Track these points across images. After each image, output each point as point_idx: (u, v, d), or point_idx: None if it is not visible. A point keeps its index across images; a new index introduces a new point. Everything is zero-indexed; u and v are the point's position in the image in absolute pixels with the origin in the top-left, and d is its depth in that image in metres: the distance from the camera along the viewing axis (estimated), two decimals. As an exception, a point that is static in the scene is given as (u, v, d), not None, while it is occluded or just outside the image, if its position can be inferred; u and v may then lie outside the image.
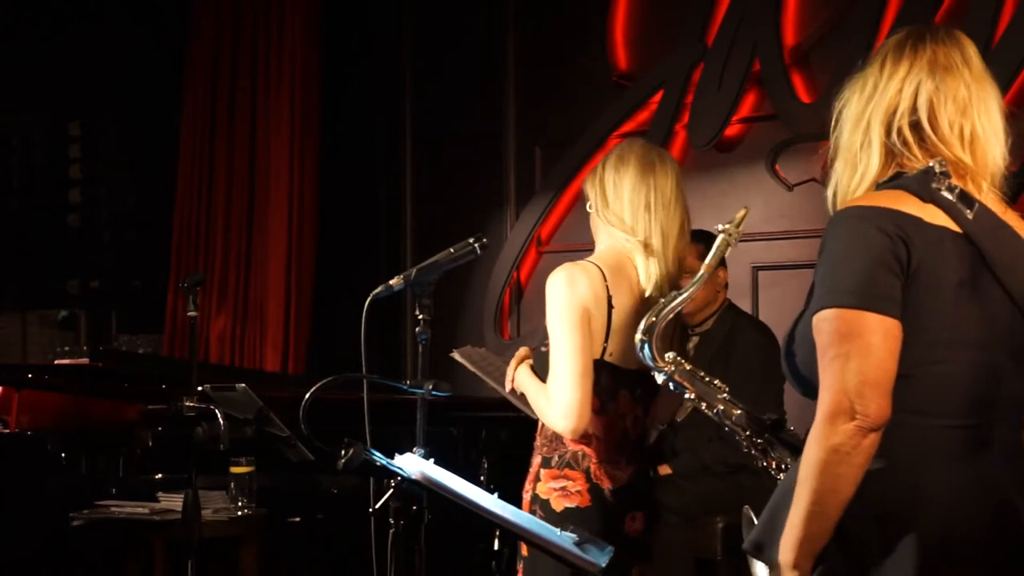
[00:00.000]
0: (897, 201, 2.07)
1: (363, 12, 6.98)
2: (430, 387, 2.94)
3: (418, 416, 2.98)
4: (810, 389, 2.14)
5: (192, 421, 4.10)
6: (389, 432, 3.04)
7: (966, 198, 2.10)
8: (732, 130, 5.71)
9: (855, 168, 2.17)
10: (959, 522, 2.02)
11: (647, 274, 3.01)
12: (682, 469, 4.53)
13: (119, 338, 7.75)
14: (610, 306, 2.98)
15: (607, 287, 2.98)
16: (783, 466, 2.48)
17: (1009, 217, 2.17)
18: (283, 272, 6.81)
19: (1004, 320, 2.09)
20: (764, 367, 4.38)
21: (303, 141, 6.83)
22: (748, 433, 2.52)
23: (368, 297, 3.03)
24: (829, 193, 2.22)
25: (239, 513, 4.45)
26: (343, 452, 2.56)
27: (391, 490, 2.71)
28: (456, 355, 3.60)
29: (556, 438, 3.02)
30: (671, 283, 3.00)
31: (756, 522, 2.38)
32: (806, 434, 2.19)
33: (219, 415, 4.11)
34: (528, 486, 3.06)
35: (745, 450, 2.54)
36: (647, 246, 3.01)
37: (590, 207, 3.11)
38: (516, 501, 3.04)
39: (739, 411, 2.55)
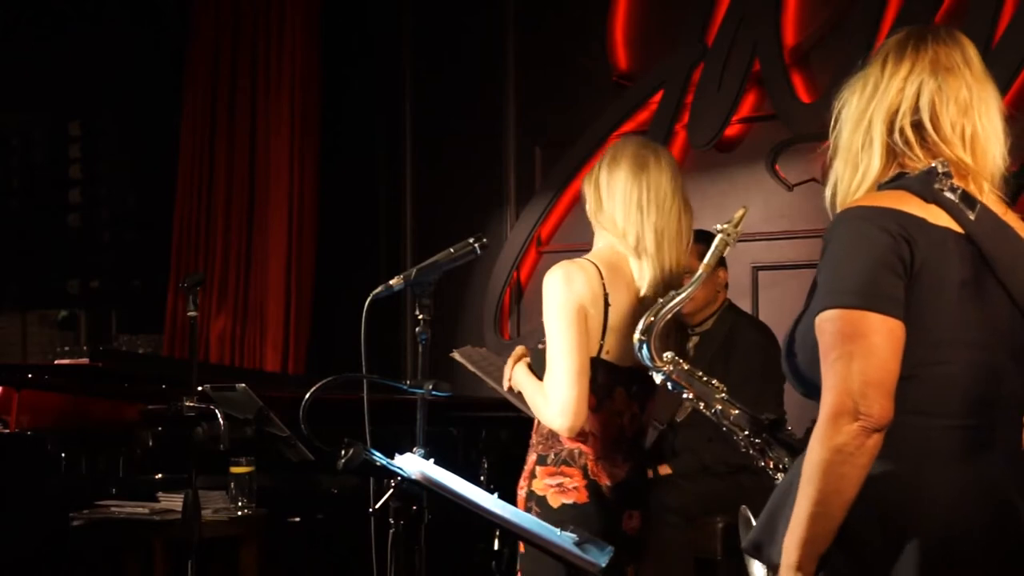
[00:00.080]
0: (900, 201, 2.07)
1: (363, 12, 6.98)
2: (430, 387, 2.94)
3: (418, 416, 2.98)
4: (811, 389, 2.14)
5: (192, 421, 4.10)
6: (389, 432, 3.04)
7: (968, 199, 2.10)
8: (732, 130, 5.71)
9: (856, 167, 2.16)
10: (960, 522, 2.02)
11: (640, 275, 3.01)
12: (682, 469, 4.53)
13: (119, 338, 7.75)
14: (607, 304, 2.98)
15: (604, 285, 2.98)
16: (780, 466, 2.49)
17: (1009, 218, 2.17)
18: (283, 272, 6.81)
19: (1005, 320, 2.09)
20: (764, 367, 4.38)
21: (303, 141, 6.83)
22: (746, 433, 2.53)
23: (368, 297, 3.03)
24: (828, 193, 2.22)
25: (239, 513, 4.45)
26: (343, 452, 2.56)
27: (391, 490, 2.71)
28: (456, 355, 3.60)
29: (552, 436, 3.02)
30: (669, 283, 3.00)
31: (753, 522, 2.39)
32: (805, 434, 2.19)
33: (219, 415, 4.11)
34: (523, 483, 3.06)
35: (743, 450, 2.54)
36: (639, 247, 3.00)
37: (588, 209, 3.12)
38: (516, 501, 3.04)
39: (737, 411, 2.55)
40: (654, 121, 5.83)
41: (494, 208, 6.48)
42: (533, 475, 3.04)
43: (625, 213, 3.02)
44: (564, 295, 2.94)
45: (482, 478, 4.73)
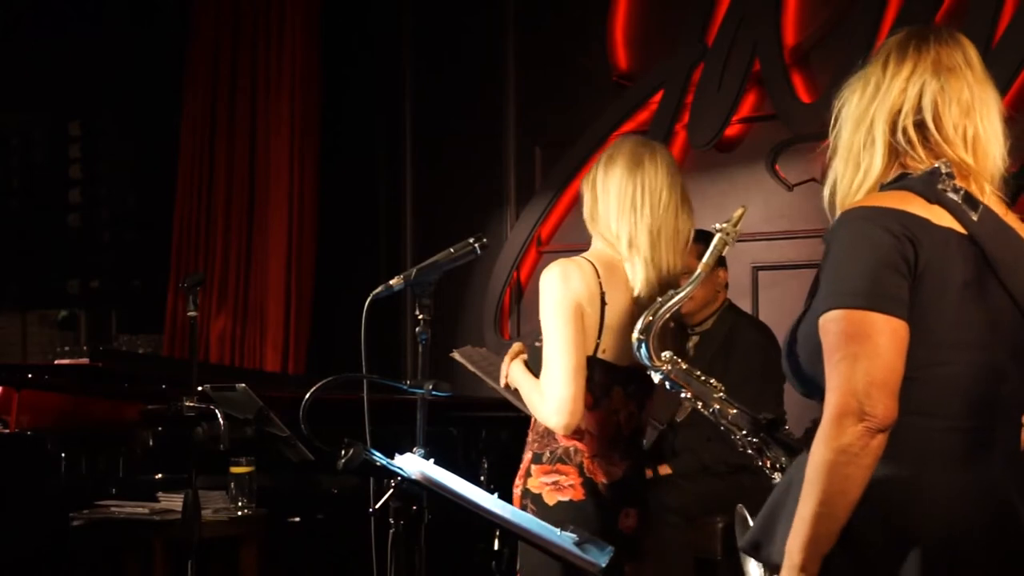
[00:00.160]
0: (903, 202, 2.07)
1: (363, 12, 6.98)
2: (430, 387, 2.94)
3: (418, 416, 2.98)
4: (812, 389, 2.14)
5: (192, 421, 4.10)
6: (389, 432, 3.04)
7: (971, 200, 2.10)
8: (732, 130, 5.71)
9: (858, 166, 2.16)
10: (960, 523, 2.02)
11: (633, 275, 3.00)
12: (682, 469, 4.53)
13: (119, 338, 7.75)
14: (603, 303, 2.98)
15: (600, 284, 2.98)
16: (778, 465, 2.49)
17: (1010, 219, 2.17)
18: (283, 272, 6.81)
19: (1006, 321, 2.09)
20: (764, 367, 4.38)
21: (303, 141, 6.83)
22: (744, 432, 2.53)
23: (368, 297, 3.03)
24: (826, 192, 2.21)
25: (239, 513, 4.45)
26: (343, 452, 2.56)
27: (391, 490, 2.71)
28: (456, 355, 3.60)
29: (548, 434, 3.02)
30: (665, 283, 2.99)
31: (750, 521, 2.39)
32: (805, 433, 2.19)
33: (219, 415, 4.11)
34: (519, 481, 3.06)
35: (740, 449, 2.54)
36: (632, 247, 3.00)
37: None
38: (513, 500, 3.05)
39: (735, 410, 2.55)
40: (654, 121, 5.84)
41: (494, 208, 6.48)
42: (529, 473, 3.04)
43: (619, 212, 3.01)
44: (560, 293, 2.94)
45: (482, 478, 4.73)
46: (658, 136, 5.67)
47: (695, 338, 4.67)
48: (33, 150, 8.25)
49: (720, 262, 2.71)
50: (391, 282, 3.05)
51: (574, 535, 2.60)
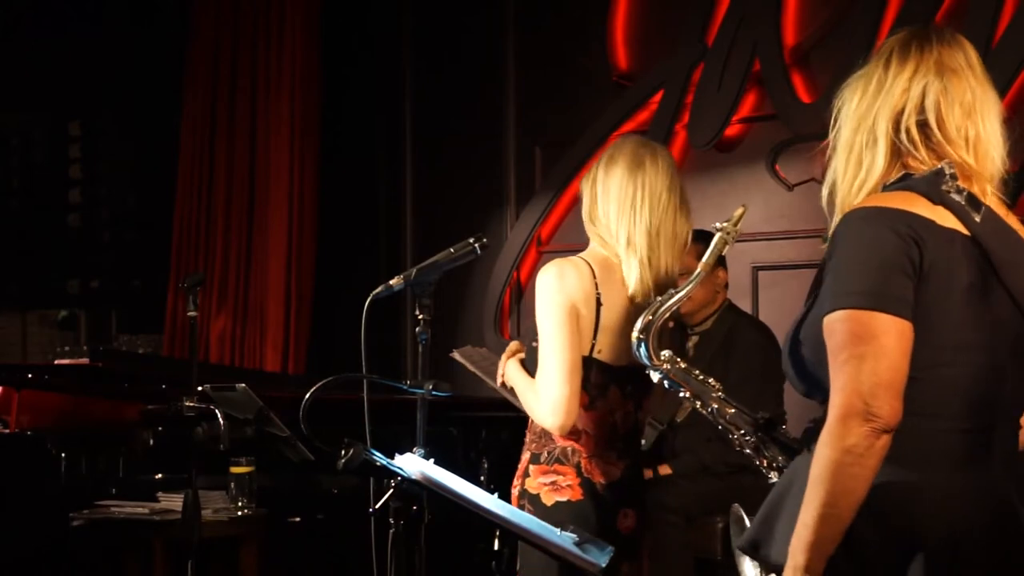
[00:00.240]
0: (908, 203, 2.07)
1: (363, 12, 6.98)
2: (430, 387, 2.94)
3: (418, 416, 2.98)
4: (813, 389, 2.14)
5: (192, 421, 4.10)
6: (389, 432, 3.04)
7: (974, 201, 2.10)
8: (732, 130, 5.71)
9: (859, 166, 2.16)
10: (961, 523, 2.02)
11: (629, 275, 3.00)
12: (682, 469, 4.53)
13: (119, 338, 7.75)
14: (599, 303, 2.98)
15: (596, 284, 2.98)
16: (775, 465, 2.49)
17: (1011, 220, 2.18)
18: (283, 272, 6.81)
19: (1007, 322, 2.09)
20: (764, 367, 4.39)
21: (303, 141, 6.83)
22: (742, 432, 2.53)
23: (368, 297, 3.03)
24: (825, 192, 2.21)
25: (239, 513, 4.45)
26: (343, 452, 2.56)
27: (391, 490, 2.71)
28: (456, 355, 3.61)
29: (545, 434, 3.02)
30: (663, 284, 2.99)
31: (746, 520, 2.39)
32: (804, 433, 2.19)
33: (219, 415, 4.11)
34: (516, 482, 3.06)
35: (738, 448, 2.54)
36: (630, 246, 3.00)
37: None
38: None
39: (733, 410, 2.56)
40: (654, 121, 5.83)
41: (494, 208, 6.48)
42: (527, 474, 3.04)
43: (619, 212, 3.01)
44: (556, 293, 2.94)
45: (482, 478, 4.73)
46: (658, 136, 5.67)
47: (695, 338, 4.67)
48: (33, 150, 8.25)
49: (720, 262, 2.71)
50: (391, 282, 3.05)
51: (574, 535, 2.60)
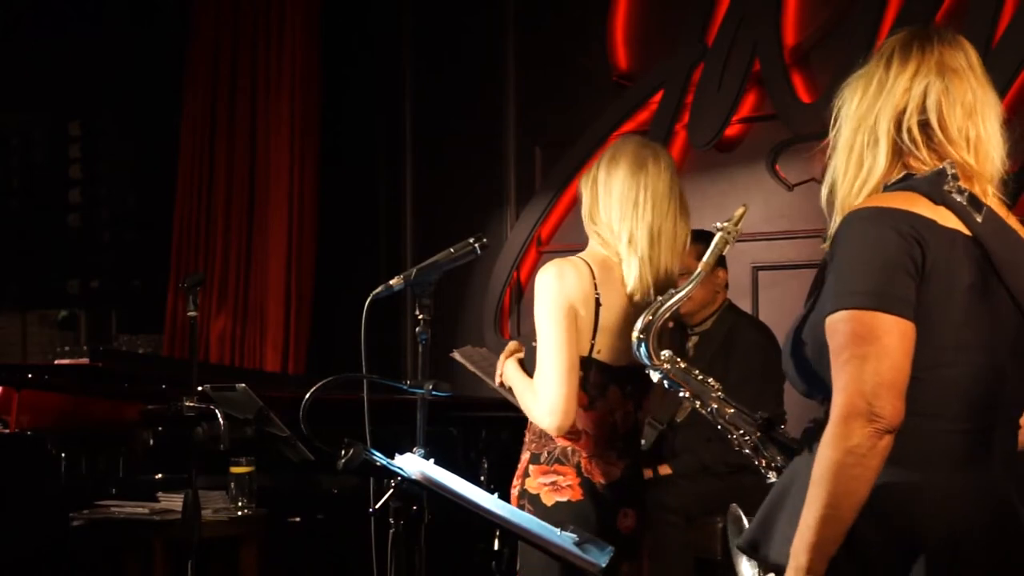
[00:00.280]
0: (910, 203, 2.07)
1: (363, 12, 6.98)
2: (430, 387, 2.94)
3: (418, 416, 2.98)
4: (815, 389, 2.14)
5: (192, 421, 4.10)
6: (389, 432, 3.04)
7: (976, 201, 2.10)
8: (732, 130, 5.71)
9: (860, 165, 2.16)
10: (961, 523, 2.02)
11: (629, 274, 3.00)
12: (682, 469, 4.53)
13: (119, 338, 7.74)
14: (598, 304, 2.98)
15: (595, 284, 2.98)
16: (773, 464, 2.49)
17: (1011, 221, 2.18)
18: (283, 272, 6.81)
19: (1008, 323, 2.09)
20: (764, 367, 4.39)
21: (303, 141, 6.83)
22: (741, 432, 2.53)
23: (368, 297, 3.03)
24: (824, 191, 2.21)
25: (239, 513, 4.45)
26: (343, 452, 2.56)
27: (391, 490, 2.71)
28: (456, 355, 3.61)
29: (545, 434, 3.02)
30: (662, 285, 2.99)
31: (744, 520, 2.39)
32: (803, 433, 2.19)
33: (219, 415, 4.11)
34: (516, 482, 3.06)
35: (736, 448, 2.54)
36: (632, 246, 3.00)
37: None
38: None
39: (732, 410, 2.56)
40: (654, 121, 5.83)
41: (494, 208, 6.48)
42: (527, 474, 3.04)
43: (621, 211, 3.02)
44: (554, 294, 2.95)
45: (482, 478, 4.73)
46: (658, 136, 5.67)
47: (695, 338, 4.67)
48: (33, 150, 8.24)
49: (720, 262, 2.71)
50: (391, 282, 3.05)
51: (574, 535, 2.60)
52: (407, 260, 6.66)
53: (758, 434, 2.50)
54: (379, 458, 2.59)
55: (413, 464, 2.63)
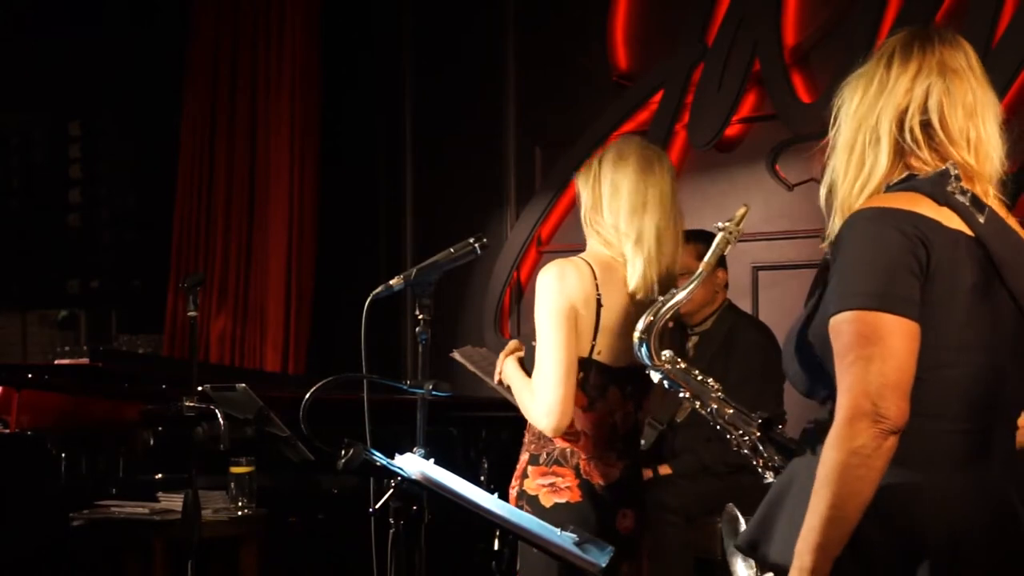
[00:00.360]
0: (913, 203, 2.07)
1: (363, 12, 6.98)
2: (430, 387, 2.94)
3: (418, 416, 2.98)
4: (816, 389, 2.14)
5: (192, 421, 4.10)
6: (389, 432, 3.04)
7: (978, 202, 2.10)
8: (732, 130, 5.71)
9: (861, 165, 2.16)
10: (961, 524, 2.02)
11: (633, 273, 3.00)
12: (682, 469, 4.53)
13: (119, 338, 7.74)
14: (599, 304, 2.98)
15: (596, 285, 2.98)
16: (771, 464, 2.49)
17: (1011, 222, 2.18)
18: (283, 272, 6.81)
19: (1008, 323, 2.10)
20: (764, 367, 4.39)
21: (303, 141, 6.83)
22: (740, 432, 2.53)
23: (368, 297, 3.03)
24: (823, 191, 2.21)
25: (239, 513, 4.45)
26: (343, 452, 2.56)
27: (391, 490, 2.71)
28: (456, 355, 3.61)
29: (544, 435, 3.02)
30: (665, 284, 3.00)
31: (741, 520, 2.39)
32: (802, 433, 2.19)
33: (219, 415, 4.11)
34: (515, 483, 3.06)
35: (735, 448, 2.54)
36: (639, 244, 3.00)
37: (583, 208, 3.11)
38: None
39: (732, 410, 2.56)
40: (654, 121, 5.83)
41: (494, 208, 6.48)
42: (525, 475, 3.04)
43: (631, 210, 3.01)
44: (555, 294, 2.94)
45: (482, 478, 4.73)
46: (658, 136, 5.67)
47: (695, 338, 4.67)
48: (33, 150, 8.24)
49: (720, 262, 2.71)
50: (391, 282, 3.05)
51: (574, 535, 2.60)
52: (407, 260, 6.66)
53: (757, 434, 2.50)
54: (379, 458, 2.59)
55: (413, 464, 2.62)
